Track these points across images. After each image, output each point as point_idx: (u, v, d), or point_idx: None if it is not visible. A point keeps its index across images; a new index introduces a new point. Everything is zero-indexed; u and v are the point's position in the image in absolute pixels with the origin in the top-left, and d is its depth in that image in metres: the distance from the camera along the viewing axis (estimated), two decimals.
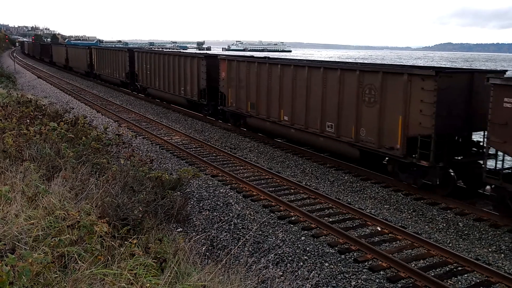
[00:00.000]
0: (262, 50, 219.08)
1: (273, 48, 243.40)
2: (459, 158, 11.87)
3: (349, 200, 11.78)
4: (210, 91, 22.07)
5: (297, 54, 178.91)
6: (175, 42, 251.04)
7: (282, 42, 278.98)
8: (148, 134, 19.28)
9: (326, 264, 8.26)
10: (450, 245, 9.28)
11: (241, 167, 14.53)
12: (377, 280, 7.76)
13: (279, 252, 8.60)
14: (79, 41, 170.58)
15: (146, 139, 18.43)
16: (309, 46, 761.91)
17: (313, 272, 7.90)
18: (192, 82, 23.45)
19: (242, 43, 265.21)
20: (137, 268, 4.62)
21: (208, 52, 35.83)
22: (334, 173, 14.05)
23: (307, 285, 7.41)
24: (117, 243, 5.08)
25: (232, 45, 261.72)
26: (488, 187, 11.39)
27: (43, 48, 77.08)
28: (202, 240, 8.21)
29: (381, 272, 8.03)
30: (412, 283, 7.68)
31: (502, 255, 8.87)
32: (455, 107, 11.19)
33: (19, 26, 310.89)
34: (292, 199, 11.63)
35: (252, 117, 18.67)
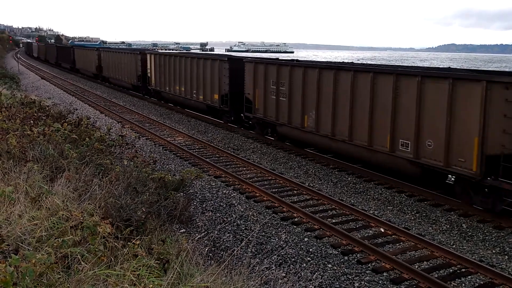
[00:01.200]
0: (265, 51, 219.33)
1: (275, 49, 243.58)
2: None
3: (352, 201, 11.76)
4: None
5: (301, 55, 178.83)
6: (178, 43, 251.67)
7: (285, 43, 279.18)
8: (151, 135, 19.31)
9: (329, 266, 8.25)
10: (454, 246, 9.25)
11: (244, 168, 14.53)
12: (380, 282, 7.74)
13: (282, 253, 8.59)
14: (82, 42, 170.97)
15: (149, 140, 18.45)
16: (312, 47, 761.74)
17: (316, 273, 7.89)
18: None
19: (244, 44, 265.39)
20: (140, 269, 4.62)
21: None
22: (337, 174, 14.03)
23: (310, 286, 7.39)
24: (120, 244, 5.09)
25: (235, 46, 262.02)
26: None
27: (61, 52, 61.33)
28: (205, 241, 8.21)
29: (385, 274, 8.00)
30: (415, 284, 7.65)
31: (506, 256, 8.84)
32: None
33: (23, 27, 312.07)
34: (295, 200, 11.62)
35: None
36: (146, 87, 30.75)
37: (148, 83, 30.04)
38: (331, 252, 8.78)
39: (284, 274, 7.63)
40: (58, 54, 62.79)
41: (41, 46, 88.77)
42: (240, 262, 6.24)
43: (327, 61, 21.98)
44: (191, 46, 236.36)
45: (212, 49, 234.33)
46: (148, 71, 29.83)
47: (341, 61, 32.40)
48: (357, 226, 10.09)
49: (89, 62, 44.16)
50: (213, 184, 12.68)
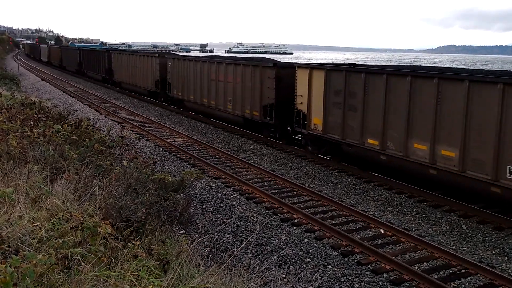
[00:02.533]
0: (265, 53, 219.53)
1: (274, 51, 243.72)
2: None
3: (352, 203, 11.77)
4: None
5: (305, 56, 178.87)
6: (178, 44, 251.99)
7: (284, 44, 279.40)
8: (151, 136, 19.32)
9: (329, 267, 8.25)
10: (454, 247, 9.25)
11: (244, 169, 14.53)
12: (380, 283, 7.74)
13: (282, 254, 8.59)
14: (82, 44, 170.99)
15: (149, 141, 18.46)
16: (312, 49, 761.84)
17: (316, 274, 7.89)
18: None
19: (243, 45, 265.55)
20: (140, 270, 4.62)
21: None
22: (337, 175, 14.03)
23: (310, 287, 7.40)
24: (120, 244, 5.09)
25: (233, 47, 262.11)
26: None
27: (88, 57, 44.76)
28: (205, 242, 8.22)
29: (384, 275, 8.01)
30: (415, 285, 7.65)
31: (506, 257, 8.84)
32: None
33: (23, 29, 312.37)
34: (295, 201, 11.62)
35: None
36: (287, 128, 17.35)
37: (301, 124, 15.76)
38: (331, 253, 8.78)
39: (284, 275, 7.63)
40: (83, 60, 46.67)
41: (54, 49, 68.79)
42: (240, 263, 6.24)
43: None
44: (191, 48, 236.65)
45: (212, 51, 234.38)
46: (298, 99, 15.76)
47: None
48: (357, 227, 10.09)
49: (143, 74, 30.28)
50: (213, 185, 12.69)
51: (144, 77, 30.19)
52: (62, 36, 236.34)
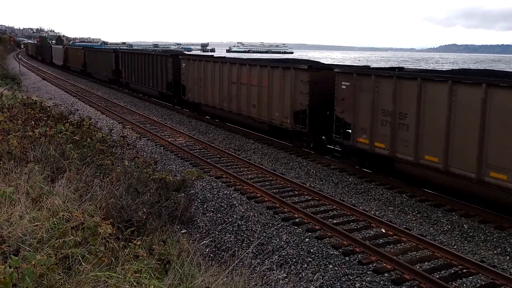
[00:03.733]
0: (266, 52, 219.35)
1: (275, 50, 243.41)
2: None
3: (354, 202, 11.75)
4: None
5: (302, 55, 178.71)
6: (179, 44, 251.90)
7: (284, 44, 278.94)
8: (152, 135, 19.31)
9: (330, 266, 8.24)
10: (455, 247, 9.23)
11: (245, 169, 14.52)
12: (381, 282, 7.73)
13: (283, 253, 8.58)
14: (83, 43, 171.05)
15: (151, 140, 18.45)
16: (313, 48, 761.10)
17: (317, 274, 7.89)
18: None
19: (243, 44, 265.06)
20: (141, 270, 4.61)
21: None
22: (338, 175, 14.02)
23: (311, 287, 7.39)
24: (121, 244, 5.08)
25: (234, 46, 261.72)
26: None
27: (134, 62, 31.65)
28: (206, 242, 8.21)
29: (386, 274, 7.99)
30: (416, 285, 7.64)
31: (508, 257, 8.82)
32: None
33: (24, 28, 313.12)
34: (296, 200, 11.61)
35: None
36: None
37: None
38: (332, 252, 8.77)
39: (285, 275, 7.62)
40: (123, 67, 34.34)
41: (73, 50, 53.36)
42: (241, 263, 6.23)
43: None
44: (192, 47, 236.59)
45: (213, 50, 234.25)
46: None
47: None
48: (358, 226, 10.08)
49: (261, 97, 17.98)
50: (214, 184, 12.68)
51: (265, 102, 17.85)
52: (64, 36, 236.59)
